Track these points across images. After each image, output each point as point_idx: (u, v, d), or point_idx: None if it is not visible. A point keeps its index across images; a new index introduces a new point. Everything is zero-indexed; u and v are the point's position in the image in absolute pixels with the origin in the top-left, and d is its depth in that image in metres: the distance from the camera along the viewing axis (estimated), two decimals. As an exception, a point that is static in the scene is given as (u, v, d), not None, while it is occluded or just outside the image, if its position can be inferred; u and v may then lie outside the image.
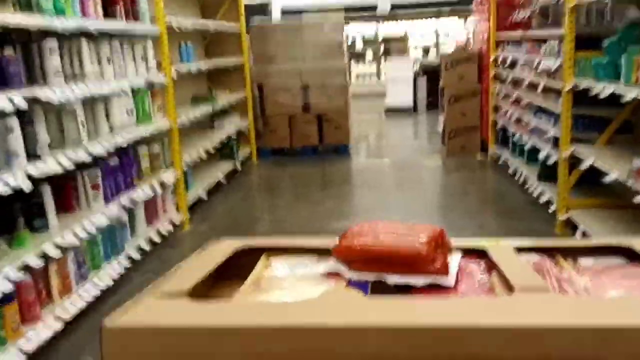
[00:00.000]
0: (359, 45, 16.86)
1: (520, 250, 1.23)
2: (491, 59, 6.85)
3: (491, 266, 1.18)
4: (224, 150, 7.17)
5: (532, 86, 5.34)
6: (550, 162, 4.67)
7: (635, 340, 0.87)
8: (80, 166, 3.24)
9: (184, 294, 1.02)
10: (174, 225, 4.70)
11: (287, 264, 1.24)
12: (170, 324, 0.92)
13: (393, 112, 11.74)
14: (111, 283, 3.45)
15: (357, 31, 16.27)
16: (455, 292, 1.10)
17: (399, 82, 11.78)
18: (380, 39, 16.27)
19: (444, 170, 7.19)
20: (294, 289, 1.12)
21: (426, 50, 16.54)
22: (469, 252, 1.25)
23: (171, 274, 1.13)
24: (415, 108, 11.92)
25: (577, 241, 1.42)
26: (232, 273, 1.23)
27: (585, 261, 1.24)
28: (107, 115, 3.64)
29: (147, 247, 4.03)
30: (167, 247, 4.31)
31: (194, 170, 5.81)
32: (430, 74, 11.29)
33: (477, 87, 7.27)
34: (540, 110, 5.20)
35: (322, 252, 1.24)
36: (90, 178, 3.38)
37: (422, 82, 11.69)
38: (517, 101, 6.01)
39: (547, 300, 0.99)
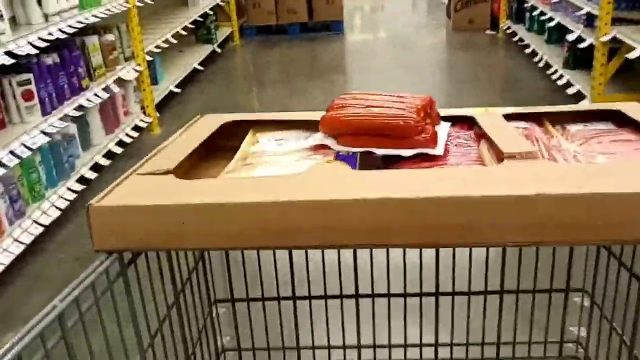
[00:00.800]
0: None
1: (509, 117, 1.32)
2: None
3: (480, 134, 1.28)
4: (200, 32, 6.73)
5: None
6: (583, 45, 4.12)
7: (626, 206, 0.94)
8: (4, 70, 2.43)
9: (170, 172, 1.10)
10: (140, 129, 4.30)
11: (275, 139, 1.33)
12: (155, 202, 1.00)
13: None
14: (58, 215, 3.04)
15: None
16: (445, 162, 1.19)
17: None
18: None
19: (449, 49, 6.87)
20: (281, 163, 1.21)
21: None
22: (457, 121, 1.35)
23: (156, 152, 1.22)
24: None
25: (565, 107, 1.44)
26: (219, 148, 1.32)
27: (574, 127, 1.33)
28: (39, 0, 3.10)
29: (105, 162, 3.62)
30: (132, 157, 3.90)
31: (164, 59, 5.48)
32: None
33: None
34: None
35: (309, 126, 1.33)
36: (18, 85, 2.58)
37: None
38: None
39: (537, 168, 1.06)
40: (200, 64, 6.01)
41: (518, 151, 1.09)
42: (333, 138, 1.23)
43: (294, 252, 1.37)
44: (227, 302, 1.51)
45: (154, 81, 4.86)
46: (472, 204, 0.93)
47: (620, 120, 1.33)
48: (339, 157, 1.20)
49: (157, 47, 4.77)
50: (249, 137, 1.34)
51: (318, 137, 1.25)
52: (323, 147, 1.24)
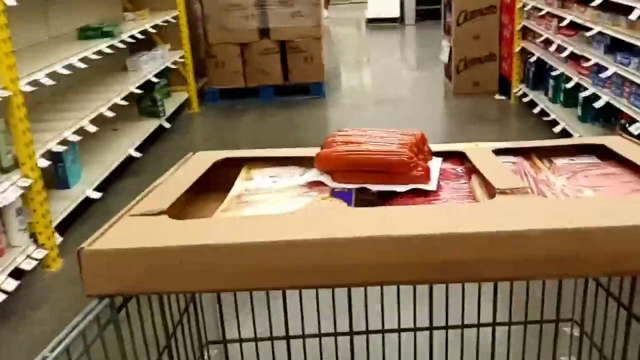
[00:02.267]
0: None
1: (498, 152, 1.33)
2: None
3: (471, 169, 1.29)
4: (144, 103, 5.23)
5: (606, 4, 3.81)
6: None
7: (615, 239, 0.95)
8: None
9: (163, 212, 1.07)
10: (21, 272, 2.90)
11: (269, 175, 1.31)
12: (149, 244, 0.97)
13: (376, 24, 10.93)
14: None
15: None
16: (437, 196, 1.20)
17: None
18: None
19: (454, 120, 5.66)
20: (276, 201, 1.19)
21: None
22: (448, 156, 1.35)
23: (149, 192, 1.18)
24: (402, 19, 10.98)
25: (551, 141, 1.46)
26: (212, 186, 1.29)
27: (560, 161, 1.35)
28: None
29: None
30: (15, 315, 2.67)
31: (89, 143, 4.05)
32: None
33: (496, 1, 5.94)
34: (617, 47, 3.71)
35: (303, 162, 1.32)
36: None
37: None
38: (568, 26, 4.47)
39: (527, 203, 1.07)
40: (142, 145, 4.54)
41: (509, 187, 1.10)
42: (328, 174, 1.21)
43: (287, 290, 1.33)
44: (219, 344, 1.46)
45: (64, 184, 3.55)
46: (467, 240, 0.94)
47: (604, 153, 1.35)
48: (335, 194, 1.19)
49: (77, 132, 3.49)
50: (242, 174, 1.31)
51: (313, 174, 1.23)
52: (318, 183, 1.22)
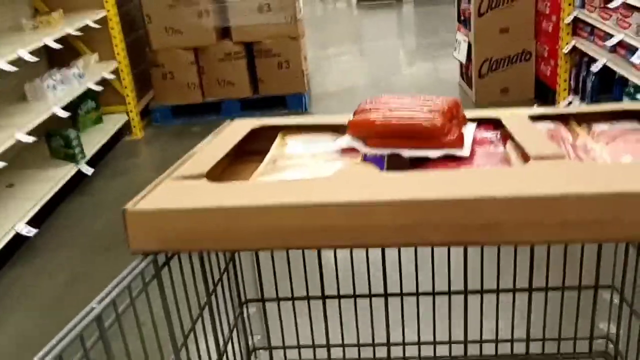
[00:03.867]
0: None
1: (534, 118, 1.31)
2: None
3: (506, 136, 1.27)
4: (55, 142, 3.84)
5: None
6: None
7: None
8: None
9: (202, 176, 1.12)
10: None
11: (303, 142, 1.34)
12: (189, 206, 1.02)
13: (368, 1, 9.32)
14: None
15: None
16: (471, 163, 1.20)
17: None
18: None
19: None
20: (310, 165, 1.22)
21: None
22: (483, 122, 1.34)
23: (188, 157, 1.23)
24: None
25: (591, 107, 1.53)
26: (249, 152, 1.33)
27: (599, 127, 1.31)
28: None
29: None
30: None
31: None
32: None
33: None
34: None
35: (337, 129, 1.34)
36: None
37: None
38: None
39: (562, 167, 1.07)
40: (46, 210, 3.17)
41: (545, 153, 1.09)
42: (361, 140, 1.24)
43: (323, 251, 1.36)
44: (258, 302, 1.53)
45: None
46: (499, 203, 0.94)
47: None
48: (366, 158, 1.22)
49: None
50: (278, 141, 1.35)
51: (346, 140, 1.26)
52: (351, 149, 1.25)
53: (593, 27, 3.85)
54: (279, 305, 1.51)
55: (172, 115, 4.91)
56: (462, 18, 5.11)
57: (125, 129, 4.69)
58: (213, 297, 1.30)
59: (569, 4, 4.07)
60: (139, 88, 4.93)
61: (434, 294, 1.51)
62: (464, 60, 5.00)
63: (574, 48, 4.15)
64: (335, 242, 1.00)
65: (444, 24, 6.85)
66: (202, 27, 4.75)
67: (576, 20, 4.09)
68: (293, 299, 1.51)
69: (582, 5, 3.98)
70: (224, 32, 4.90)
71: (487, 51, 4.67)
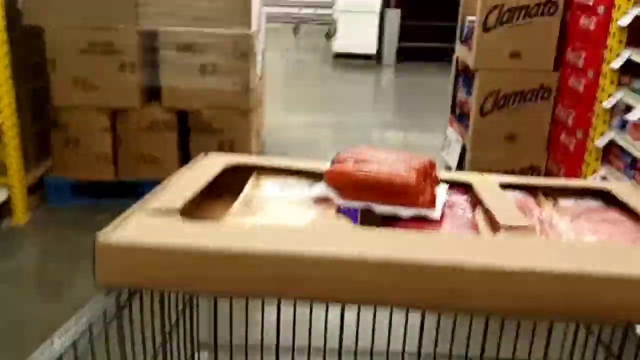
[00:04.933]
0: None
1: (504, 186, 1.36)
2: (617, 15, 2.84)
3: (476, 201, 1.31)
4: None
5: None
6: None
7: (613, 288, 0.96)
8: None
9: (176, 212, 1.11)
10: None
11: (278, 185, 1.34)
12: (161, 242, 1.00)
13: (346, 60, 8.23)
14: None
15: None
16: (441, 226, 1.22)
17: (356, 14, 8.28)
18: None
19: None
20: (284, 211, 1.23)
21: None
22: (454, 185, 1.37)
23: (161, 189, 1.22)
24: (379, 57, 8.43)
25: (558, 181, 1.62)
26: (222, 189, 1.32)
27: (565, 202, 1.37)
28: None
29: None
30: None
31: None
32: (406, 3, 8.24)
33: (549, 79, 3.54)
34: None
35: (313, 175, 1.35)
36: None
37: (393, 16, 8.29)
38: None
39: (530, 242, 1.10)
40: None
41: (513, 224, 1.13)
42: (336, 191, 1.25)
43: (283, 301, 1.34)
44: (211, 348, 1.48)
45: None
46: (469, 272, 0.96)
47: (610, 199, 1.37)
48: (341, 210, 1.22)
49: None
50: (252, 180, 1.35)
51: (321, 189, 1.26)
52: (326, 198, 1.25)
53: (635, 159, 2.75)
54: (231, 352, 1.46)
55: (73, 194, 3.61)
56: (458, 112, 4.19)
57: (4, 210, 3.27)
58: (169, 338, 1.25)
59: (604, 121, 2.96)
60: (36, 154, 3.65)
61: (387, 353, 1.50)
62: (454, 165, 4.02)
63: (603, 179, 3.00)
64: (297, 294, 1.00)
65: (428, 101, 6.16)
66: (123, 84, 3.49)
67: (611, 143, 2.96)
68: (247, 347, 1.47)
69: (622, 126, 2.89)
70: (153, 94, 3.62)
71: (486, 160, 3.66)
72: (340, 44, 8.34)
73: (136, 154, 3.62)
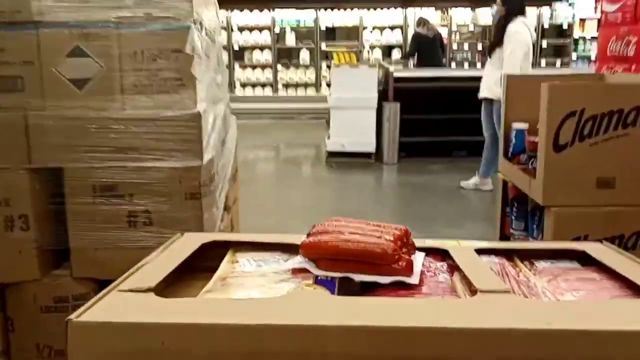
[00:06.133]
0: (289, 41, 13.59)
1: (480, 252, 1.38)
2: None
3: (453, 267, 1.33)
4: None
5: None
6: None
7: (593, 343, 0.98)
8: None
9: (150, 290, 1.11)
10: None
11: (254, 260, 1.35)
12: (135, 320, 1.01)
13: (340, 159, 7.42)
14: None
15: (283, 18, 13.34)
16: (419, 291, 1.23)
17: (351, 109, 7.34)
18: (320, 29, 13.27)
19: None
20: (260, 285, 1.23)
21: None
22: (431, 252, 1.40)
23: (136, 269, 1.23)
24: (378, 155, 7.62)
25: (533, 244, 1.61)
26: (197, 267, 1.34)
27: (541, 264, 1.39)
28: None
29: None
30: None
31: None
32: (405, 96, 7.30)
33: None
34: None
35: (288, 249, 1.37)
36: None
37: (392, 110, 7.41)
38: None
39: (508, 302, 1.11)
40: None
41: (490, 288, 1.14)
42: (312, 262, 1.26)
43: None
44: None
45: None
46: (447, 335, 0.97)
47: (585, 259, 1.39)
48: (318, 281, 1.23)
49: None
50: (228, 257, 1.36)
51: (298, 261, 1.28)
52: (303, 270, 1.27)
53: None
54: None
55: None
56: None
57: None
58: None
59: None
60: None
61: None
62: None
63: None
64: None
65: (436, 207, 5.22)
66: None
67: None
68: None
69: None
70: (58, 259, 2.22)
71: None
72: (333, 142, 7.54)
73: (34, 342, 2.24)
